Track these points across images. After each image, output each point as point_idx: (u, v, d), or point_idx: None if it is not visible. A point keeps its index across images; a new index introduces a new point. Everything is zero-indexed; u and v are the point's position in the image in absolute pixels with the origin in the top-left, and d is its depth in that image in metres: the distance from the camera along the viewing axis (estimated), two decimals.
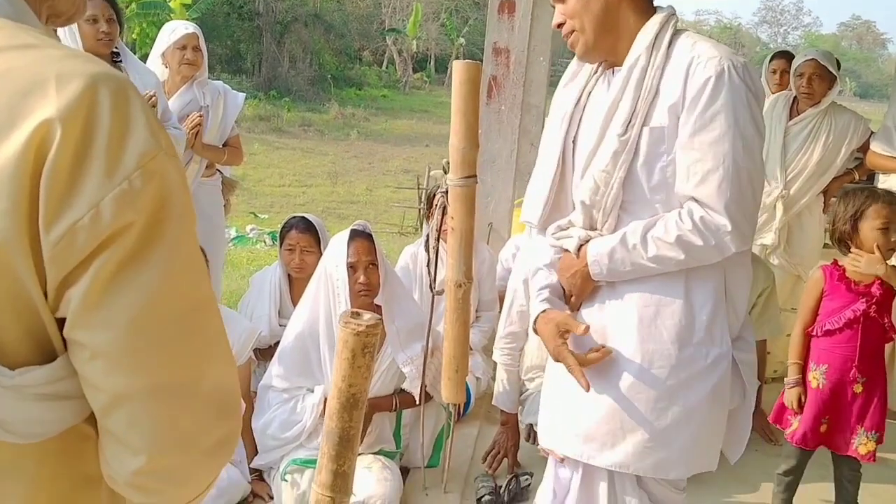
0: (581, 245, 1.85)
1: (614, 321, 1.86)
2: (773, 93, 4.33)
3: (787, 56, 4.53)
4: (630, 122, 1.77)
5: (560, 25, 1.86)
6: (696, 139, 1.71)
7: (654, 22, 1.81)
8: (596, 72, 1.94)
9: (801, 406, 2.74)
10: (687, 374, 1.81)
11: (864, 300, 2.68)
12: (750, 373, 1.92)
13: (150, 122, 0.75)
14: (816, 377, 2.72)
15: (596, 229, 1.85)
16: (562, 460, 1.98)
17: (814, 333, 2.75)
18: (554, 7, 1.88)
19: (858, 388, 2.70)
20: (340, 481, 1.29)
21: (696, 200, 1.74)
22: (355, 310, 1.26)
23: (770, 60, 4.60)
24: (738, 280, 1.86)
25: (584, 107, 1.93)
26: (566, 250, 1.90)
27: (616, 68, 1.87)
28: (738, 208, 1.72)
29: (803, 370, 2.77)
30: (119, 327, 0.73)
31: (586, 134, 1.89)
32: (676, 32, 1.82)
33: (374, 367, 1.31)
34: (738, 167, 1.71)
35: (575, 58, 1.97)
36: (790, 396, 2.76)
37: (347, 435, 1.26)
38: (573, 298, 1.90)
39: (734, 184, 1.71)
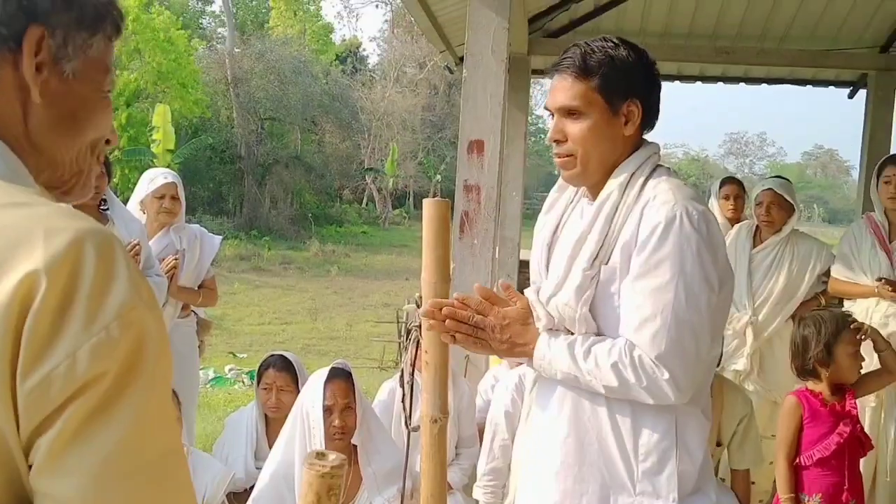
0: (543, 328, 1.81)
1: (565, 439, 1.80)
2: (726, 218, 4.49)
3: (736, 182, 4.75)
4: (598, 256, 1.74)
5: (557, 142, 1.82)
6: (639, 284, 1.69)
7: (635, 157, 1.81)
8: (572, 200, 1.95)
9: None
10: None
11: (847, 422, 2.69)
12: None
13: (133, 276, 0.78)
14: None
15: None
16: None
17: (802, 464, 2.72)
18: (550, 117, 1.85)
19: None
20: None
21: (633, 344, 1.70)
22: (320, 450, 1.25)
23: (720, 187, 4.80)
24: (692, 429, 1.78)
25: (560, 235, 1.93)
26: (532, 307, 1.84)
27: (591, 200, 1.86)
28: (674, 359, 1.66)
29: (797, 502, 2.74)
30: (84, 476, 0.73)
31: (555, 265, 1.87)
32: (655, 169, 1.81)
33: (344, 499, 1.29)
34: (677, 318, 1.65)
35: (554, 187, 2.00)
36: None
37: None
38: (500, 334, 1.80)
39: (671, 334, 1.65)
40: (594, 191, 1.85)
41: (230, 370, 9.04)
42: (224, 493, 2.97)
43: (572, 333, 1.80)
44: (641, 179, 1.78)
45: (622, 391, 1.70)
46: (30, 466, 0.74)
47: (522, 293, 1.92)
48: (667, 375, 1.65)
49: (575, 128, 1.79)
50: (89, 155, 0.97)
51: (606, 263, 1.74)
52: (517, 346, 1.81)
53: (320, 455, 1.23)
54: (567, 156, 1.82)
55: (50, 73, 0.88)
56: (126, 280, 0.76)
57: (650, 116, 1.85)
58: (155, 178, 3.78)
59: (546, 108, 1.88)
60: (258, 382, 3.43)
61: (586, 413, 1.79)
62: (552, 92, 1.84)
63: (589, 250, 1.76)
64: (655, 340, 1.66)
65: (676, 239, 1.66)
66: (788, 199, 4.07)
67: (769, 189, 4.08)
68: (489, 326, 1.78)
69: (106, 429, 0.73)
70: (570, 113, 1.80)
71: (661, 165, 1.85)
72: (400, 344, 10.34)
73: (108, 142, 1.00)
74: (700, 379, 1.75)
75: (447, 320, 1.77)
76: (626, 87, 1.79)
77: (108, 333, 0.73)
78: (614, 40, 1.82)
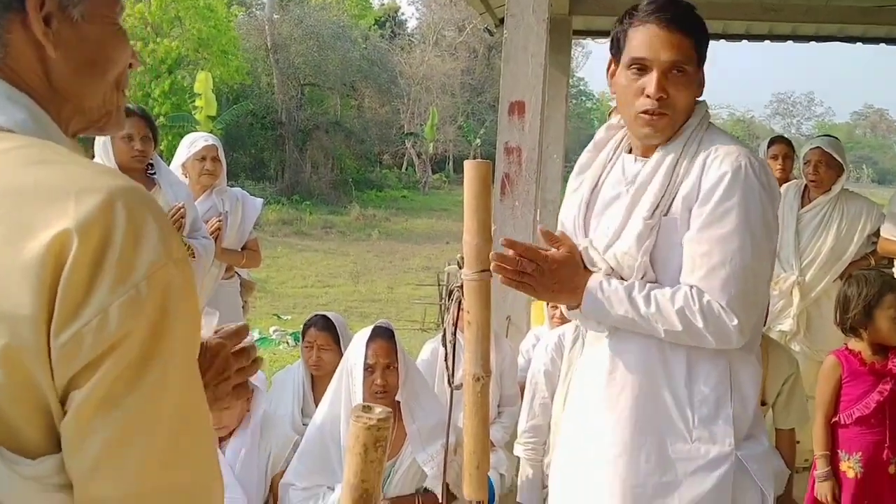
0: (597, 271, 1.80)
1: (615, 392, 1.82)
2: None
3: (785, 141, 4.64)
4: (657, 207, 1.77)
5: (660, 100, 1.77)
6: (706, 233, 1.72)
7: (697, 113, 1.84)
8: (610, 159, 1.96)
9: (836, 499, 2.67)
10: (683, 472, 1.76)
11: (887, 380, 2.65)
12: (763, 474, 1.83)
13: (163, 232, 0.79)
14: (852, 466, 2.66)
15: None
16: None
17: (841, 422, 2.70)
18: (642, 72, 1.79)
19: (893, 469, 2.64)
20: None
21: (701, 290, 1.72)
22: (367, 403, 1.28)
23: (768, 147, 4.70)
24: (746, 375, 1.82)
25: (599, 193, 1.94)
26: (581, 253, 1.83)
27: (636, 156, 1.89)
28: (741, 305, 1.71)
29: (833, 460, 2.72)
30: (110, 434, 0.76)
31: (609, 216, 1.87)
32: (709, 126, 1.86)
33: (386, 462, 1.32)
34: (745, 265, 1.70)
35: (588, 146, 2.00)
36: (823, 490, 2.69)
37: None
38: (549, 279, 1.77)
39: (739, 281, 1.70)
40: (648, 147, 1.86)
41: (275, 331, 9.19)
42: (287, 458, 3.00)
43: None
44: (700, 135, 1.81)
45: (685, 335, 1.73)
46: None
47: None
48: (735, 321, 1.70)
49: (679, 84, 1.79)
50: (115, 91, 0.97)
51: (666, 215, 1.77)
52: (567, 290, 1.81)
53: (367, 408, 1.26)
54: (663, 114, 1.79)
55: (60, 23, 0.88)
56: (156, 238, 0.78)
57: None
58: (195, 141, 3.83)
59: (637, 60, 1.80)
60: (302, 341, 3.50)
61: (640, 366, 1.81)
62: (653, 44, 1.77)
63: (649, 201, 1.78)
64: (726, 287, 1.70)
65: (742, 189, 1.70)
66: (837, 157, 3.98)
67: (817, 147, 4.00)
68: (537, 271, 1.77)
69: (135, 390, 0.76)
70: (674, 69, 1.78)
71: (711, 122, 1.89)
72: (441, 306, 10.41)
73: (130, 65, 0.99)
74: (760, 323, 1.83)
75: (494, 265, 1.78)
76: (707, 47, 1.84)
77: (138, 291, 0.75)
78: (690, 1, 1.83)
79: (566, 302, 1.87)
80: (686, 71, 1.78)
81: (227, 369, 1.15)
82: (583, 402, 1.96)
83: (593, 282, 1.78)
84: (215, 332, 1.18)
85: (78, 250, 0.73)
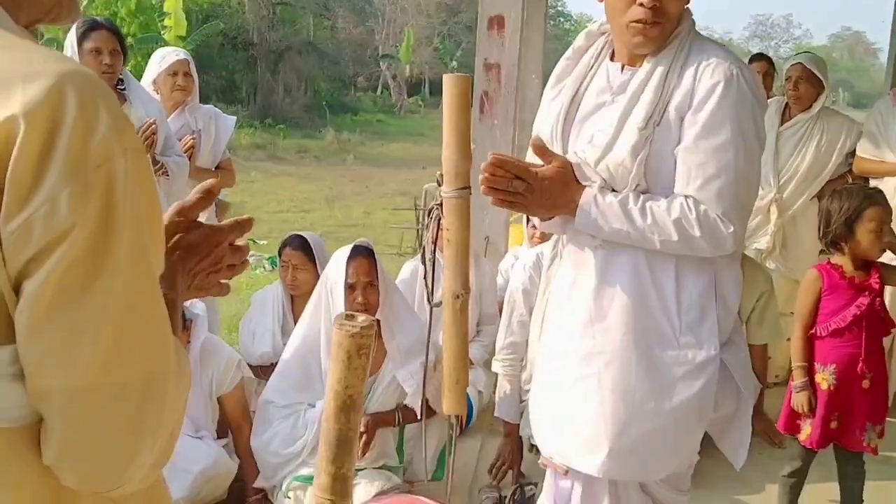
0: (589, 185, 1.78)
1: (604, 304, 1.84)
2: None
3: (765, 59, 4.60)
4: (651, 117, 1.76)
5: (653, 9, 1.73)
6: (701, 143, 1.72)
7: (685, 22, 1.83)
8: (591, 66, 1.92)
9: (811, 409, 2.73)
10: (671, 377, 1.80)
11: (866, 294, 2.69)
12: (743, 376, 1.90)
13: (116, 121, 0.76)
14: (826, 378, 2.71)
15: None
16: (565, 473, 1.97)
17: (818, 334, 2.74)
18: None
19: (867, 384, 2.69)
20: (340, 485, 1.29)
21: (697, 200, 1.74)
22: (349, 312, 1.27)
23: (749, 63, 4.65)
24: (729, 281, 1.86)
25: (580, 103, 1.90)
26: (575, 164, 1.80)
27: (623, 63, 1.85)
28: (736, 213, 1.74)
29: (809, 372, 2.77)
30: (65, 327, 0.75)
31: (599, 127, 1.83)
32: (695, 34, 1.84)
33: (369, 371, 1.31)
34: (738, 174, 1.73)
35: (566, 53, 1.96)
36: (800, 400, 2.73)
37: (346, 437, 1.27)
38: (539, 196, 1.76)
39: (734, 190, 1.73)
40: (636, 56, 1.83)
41: (251, 256, 9.16)
42: (232, 378, 3.00)
43: None
44: (688, 43, 1.81)
45: (681, 245, 1.74)
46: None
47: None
48: (731, 229, 1.73)
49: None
50: None
51: (658, 124, 1.76)
52: (559, 205, 1.79)
53: (350, 317, 1.25)
54: (655, 23, 1.75)
55: None
56: (108, 125, 0.75)
57: None
58: (166, 56, 3.72)
59: None
60: (279, 260, 3.48)
61: (629, 278, 1.82)
62: None
63: (643, 110, 1.77)
64: (721, 197, 1.72)
65: (735, 97, 1.71)
66: (818, 74, 3.95)
67: (799, 63, 3.97)
68: (527, 189, 1.74)
69: (85, 283, 0.75)
70: None
71: (696, 31, 1.87)
72: (418, 230, 10.40)
73: None
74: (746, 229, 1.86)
75: (483, 184, 1.76)
76: None
77: (87, 181, 0.73)
78: None
79: (558, 214, 1.84)
80: None
81: (222, 261, 1.13)
82: (564, 318, 1.96)
83: (587, 196, 1.77)
84: (220, 221, 1.16)
85: (25, 137, 0.71)
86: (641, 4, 1.74)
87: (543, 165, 1.80)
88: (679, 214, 1.72)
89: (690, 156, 1.74)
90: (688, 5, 1.84)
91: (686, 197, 1.74)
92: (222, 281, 1.16)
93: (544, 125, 1.95)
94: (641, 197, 1.76)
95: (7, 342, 0.76)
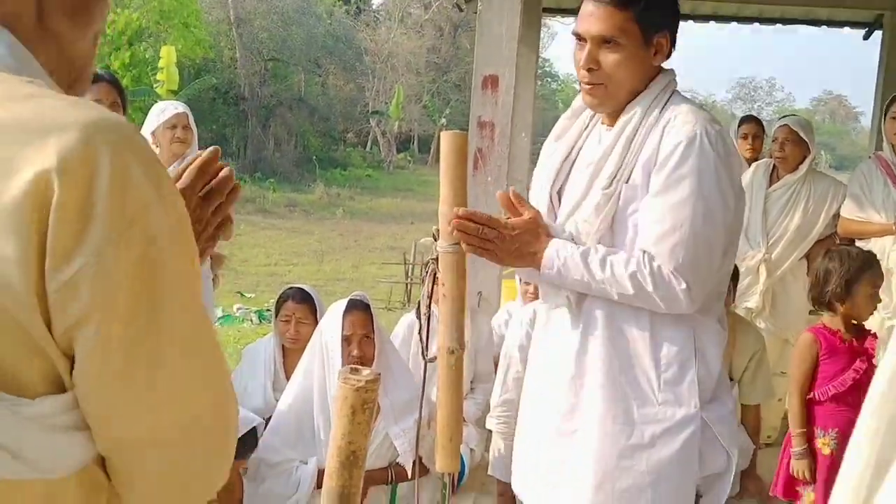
0: (557, 237, 1.84)
1: (585, 360, 1.87)
2: (744, 157, 4.48)
3: (755, 120, 4.71)
4: (616, 176, 1.81)
5: (589, 70, 1.84)
6: (659, 199, 1.76)
7: (657, 83, 1.86)
8: (587, 126, 1.99)
9: (812, 476, 2.70)
10: (650, 434, 1.81)
11: (863, 359, 2.69)
12: (728, 434, 1.89)
13: (149, 167, 0.78)
14: (827, 443, 2.69)
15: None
16: None
17: (817, 399, 2.73)
18: (583, 44, 1.85)
19: None
20: None
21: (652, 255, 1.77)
22: (354, 366, 1.27)
23: (739, 126, 4.76)
24: (709, 339, 1.86)
25: (574, 161, 1.97)
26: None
27: (607, 125, 1.92)
28: (690, 271, 1.74)
29: (808, 436, 2.75)
30: (125, 376, 0.76)
31: (574, 185, 1.93)
32: (673, 94, 1.88)
33: (372, 427, 1.30)
34: (694, 232, 1.74)
35: (566, 113, 2.03)
36: (800, 467, 2.70)
37: (348, 493, 1.26)
38: (509, 244, 1.82)
39: (689, 248, 1.74)
40: (613, 116, 1.90)
41: (238, 309, 9.10)
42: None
43: None
44: (662, 103, 1.84)
45: (637, 299, 1.77)
46: (70, 359, 0.76)
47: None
48: (683, 286, 1.74)
49: (610, 58, 1.83)
50: (92, 47, 0.96)
51: (627, 182, 1.81)
52: (526, 255, 1.84)
53: (354, 370, 1.25)
54: (597, 84, 1.85)
55: None
56: (142, 173, 0.76)
57: (673, 48, 1.90)
58: (165, 109, 3.76)
59: (576, 35, 1.88)
60: (276, 314, 3.45)
61: (607, 333, 1.84)
62: (586, 18, 1.84)
63: (609, 170, 1.83)
64: (674, 253, 1.74)
65: (696, 157, 1.73)
66: (804, 136, 4.03)
67: (785, 125, 4.05)
68: (498, 237, 1.80)
69: (141, 332, 0.76)
70: (605, 42, 1.82)
71: (677, 91, 1.91)
72: (406, 285, 10.41)
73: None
74: (713, 289, 1.84)
75: (454, 231, 1.82)
76: (660, 20, 1.84)
77: (129, 232, 0.74)
78: None
79: (525, 265, 1.89)
80: (620, 43, 1.81)
81: (200, 219, 1.09)
82: (549, 372, 1.98)
83: (551, 247, 1.82)
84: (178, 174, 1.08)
85: (62, 193, 0.72)
86: (581, 67, 1.85)
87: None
88: (634, 269, 1.76)
89: (649, 212, 1.78)
90: (663, 63, 1.90)
91: (644, 252, 1.78)
92: (222, 224, 1.12)
93: (538, 182, 2.03)
94: (603, 250, 1.80)
95: (52, 392, 0.77)
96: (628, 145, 1.81)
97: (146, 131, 3.74)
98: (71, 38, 0.90)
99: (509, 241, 1.81)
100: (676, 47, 1.91)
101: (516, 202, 1.86)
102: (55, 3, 0.87)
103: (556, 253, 1.81)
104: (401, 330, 3.69)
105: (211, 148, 1.11)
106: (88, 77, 0.97)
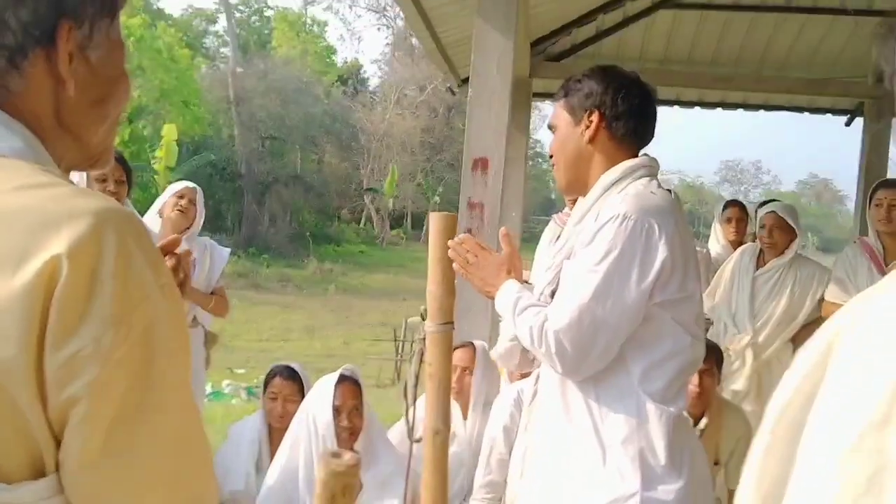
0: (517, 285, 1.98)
1: (564, 426, 1.94)
2: (728, 241, 4.56)
3: (738, 205, 4.80)
4: (560, 253, 1.99)
5: (551, 157, 2.08)
6: (567, 264, 1.91)
7: (617, 169, 1.92)
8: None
9: None
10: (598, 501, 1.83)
11: None
12: None
13: (150, 258, 0.81)
14: None
15: None
16: None
17: None
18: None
19: None
20: None
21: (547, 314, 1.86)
22: (335, 450, 1.28)
23: (723, 209, 4.85)
24: (657, 425, 1.83)
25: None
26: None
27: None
28: (569, 339, 1.78)
29: None
30: (116, 463, 0.78)
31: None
32: (640, 180, 1.91)
33: None
34: (582, 304, 1.77)
35: (553, 218, 2.20)
36: None
37: None
38: (478, 272, 2.00)
39: (573, 316, 1.78)
40: (575, 201, 2.13)
41: (227, 385, 9.04)
42: None
43: None
44: (621, 187, 1.90)
45: (533, 350, 1.91)
46: (57, 441, 0.78)
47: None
48: (554, 349, 1.80)
49: (555, 143, 2.05)
50: (113, 129, 0.99)
51: (569, 258, 1.93)
52: (487, 286, 2.02)
53: (335, 454, 1.25)
54: (556, 168, 2.07)
55: (78, 63, 0.90)
56: (143, 263, 0.80)
57: (627, 128, 1.95)
58: (179, 184, 3.92)
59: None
60: (264, 391, 3.44)
61: (573, 404, 1.91)
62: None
63: (558, 250, 2.01)
64: (559, 317, 1.81)
65: (612, 235, 1.79)
66: (790, 222, 4.11)
67: (772, 212, 4.12)
68: (475, 263, 2.02)
69: (132, 420, 0.78)
70: (552, 130, 2.08)
71: (649, 177, 1.94)
72: (397, 362, 10.36)
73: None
74: (592, 366, 1.83)
75: (450, 251, 2.01)
76: (585, 99, 1.98)
77: (130, 319, 0.77)
78: (595, 67, 2.05)
79: (485, 295, 2.06)
80: (556, 127, 2.04)
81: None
82: (538, 439, 2.08)
83: (504, 286, 1.97)
84: None
85: (69, 277, 0.75)
86: None
87: None
88: (532, 323, 1.85)
89: (564, 276, 1.93)
90: (640, 153, 2.00)
91: (548, 310, 1.88)
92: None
93: (538, 276, 2.23)
94: (533, 301, 1.92)
95: (32, 478, 0.78)
96: (577, 224, 1.96)
97: (156, 206, 3.86)
98: (88, 129, 0.94)
99: (483, 267, 2.01)
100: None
101: (503, 241, 2.08)
102: (69, 105, 0.91)
103: (503, 290, 1.97)
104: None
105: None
106: (110, 156, 1.01)
